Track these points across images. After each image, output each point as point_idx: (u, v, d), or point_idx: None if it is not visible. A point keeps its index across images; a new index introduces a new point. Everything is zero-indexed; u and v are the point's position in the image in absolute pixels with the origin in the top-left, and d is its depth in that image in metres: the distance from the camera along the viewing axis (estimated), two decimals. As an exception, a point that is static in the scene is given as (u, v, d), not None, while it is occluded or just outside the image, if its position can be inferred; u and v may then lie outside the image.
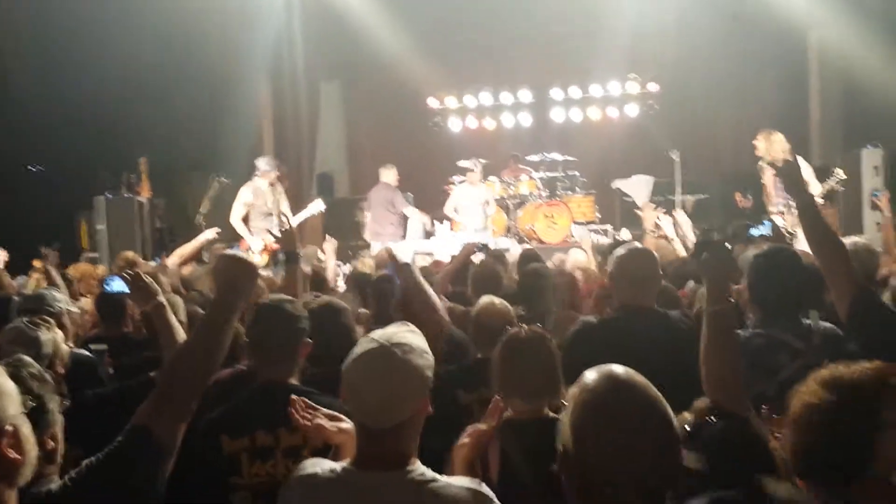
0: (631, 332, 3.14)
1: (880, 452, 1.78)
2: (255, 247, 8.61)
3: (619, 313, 3.36)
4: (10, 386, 1.67)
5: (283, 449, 2.61)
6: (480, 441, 2.25)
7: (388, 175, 10.48)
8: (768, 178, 8.20)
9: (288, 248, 4.04)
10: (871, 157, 9.32)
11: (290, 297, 3.03)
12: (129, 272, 3.35)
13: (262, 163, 8.97)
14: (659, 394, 1.64)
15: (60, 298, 3.95)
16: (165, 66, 9.99)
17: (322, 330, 3.26)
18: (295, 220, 8.52)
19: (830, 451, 1.76)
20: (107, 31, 9.35)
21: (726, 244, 2.70)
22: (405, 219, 10.48)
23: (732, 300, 2.66)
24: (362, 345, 2.04)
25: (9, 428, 1.60)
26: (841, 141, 11.02)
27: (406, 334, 2.06)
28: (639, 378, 1.66)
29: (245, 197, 8.75)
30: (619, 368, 1.67)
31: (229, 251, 2.48)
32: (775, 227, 4.95)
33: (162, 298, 3.18)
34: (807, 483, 1.88)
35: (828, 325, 3.01)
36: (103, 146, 10.60)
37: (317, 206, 8.97)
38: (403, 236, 10.51)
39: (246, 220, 8.77)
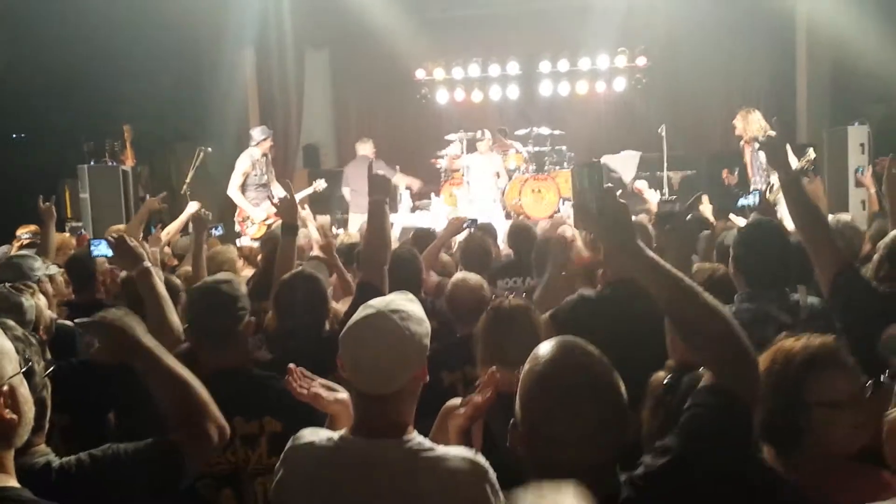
0: (625, 305, 3.14)
1: (810, 428, 1.85)
2: (257, 217, 8.56)
3: (613, 287, 3.36)
4: (7, 345, 1.65)
5: (240, 437, 2.58)
6: (476, 412, 2.26)
7: (366, 148, 10.41)
8: (748, 157, 8.23)
9: (288, 219, 3.97)
10: (857, 134, 9.36)
11: (227, 278, 2.92)
12: (114, 235, 3.33)
13: (258, 132, 8.93)
14: (609, 366, 1.64)
15: (37, 266, 3.88)
16: (151, 35, 9.86)
17: (295, 300, 3.23)
18: (297, 197, 8.50)
19: (766, 421, 1.79)
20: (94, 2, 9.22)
21: (687, 216, 2.73)
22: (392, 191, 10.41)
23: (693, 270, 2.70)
24: (361, 312, 2.04)
25: (5, 388, 1.58)
26: (828, 118, 11.04)
27: (404, 302, 2.06)
28: (590, 349, 1.66)
29: (244, 166, 8.62)
30: (571, 340, 1.68)
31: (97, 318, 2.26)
32: (763, 198, 5.01)
33: (147, 263, 3.16)
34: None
35: (816, 300, 3.02)
36: (88, 114, 10.49)
37: (319, 185, 9.00)
38: (391, 208, 10.45)
39: (242, 190, 8.69)
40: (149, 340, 2.07)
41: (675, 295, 1.72)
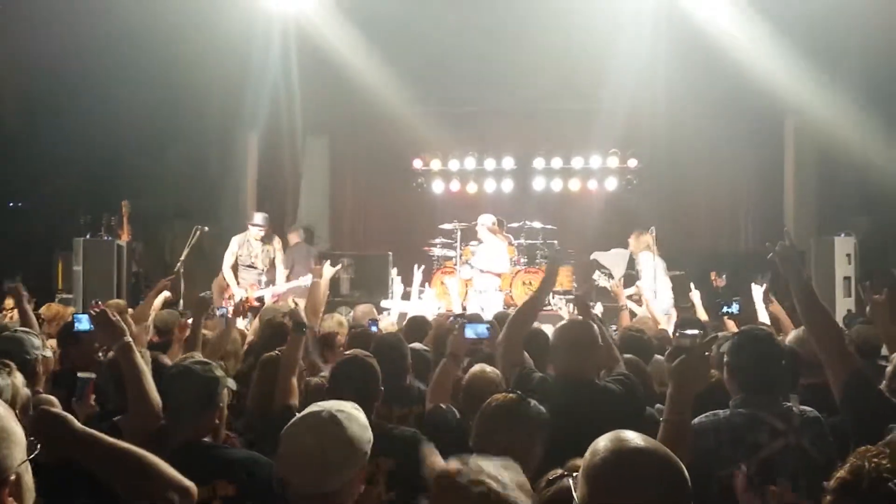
0: (563, 402, 3.20)
1: None
2: (238, 296, 8.79)
3: (553, 382, 3.47)
4: (19, 431, 1.63)
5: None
6: None
7: (296, 237, 10.92)
8: (639, 264, 9.44)
9: (295, 318, 3.94)
10: (843, 245, 9.51)
11: (203, 360, 3.00)
12: (96, 309, 3.32)
13: (258, 218, 9.46)
14: (675, 458, 1.70)
15: (38, 344, 3.87)
16: (158, 115, 10.06)
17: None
18: (284, 287, 8.99)
19: None
20: (103, 76, 9.44)
21: (705, 352, 2.70)
22: None
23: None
24: (306, 410, 2.12)
25: (13, 477, 1.57)
26: (815, 227, 11.23)
27: (350, 407, 2.14)
28: (651, 443, 1.72)
29: (232, 247, 9.25)
30: (629, 434, 1.73)
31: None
32: (744, 307, 5.07)
33: (129, 338, 3.15)
34: None
35: (807, 408, 3.06)
36: (87, 187, 10.60)
37: (304, 281, 9.18)
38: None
39: (235, 268, 9.25)
40: (80, 427, 2.04)
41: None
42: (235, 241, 9.31)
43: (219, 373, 2.93)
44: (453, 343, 3.92)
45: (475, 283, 10.13)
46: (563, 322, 3.63)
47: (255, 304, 8.71)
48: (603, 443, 1.72)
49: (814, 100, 10.03)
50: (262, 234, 9.35)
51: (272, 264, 9.39)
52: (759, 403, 3.00)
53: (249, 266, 9.29)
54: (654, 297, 8.79)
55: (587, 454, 1.73)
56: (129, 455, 2.04)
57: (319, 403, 2.12)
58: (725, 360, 3.20)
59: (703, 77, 11.10)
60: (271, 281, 9.31)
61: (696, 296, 7.31)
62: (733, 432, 2.93)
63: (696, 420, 3.01)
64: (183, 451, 2.65)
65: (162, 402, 2.93)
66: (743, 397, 3.05)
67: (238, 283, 9.13)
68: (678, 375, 2.64)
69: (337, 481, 1.98)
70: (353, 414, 2.09)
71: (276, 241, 9.59)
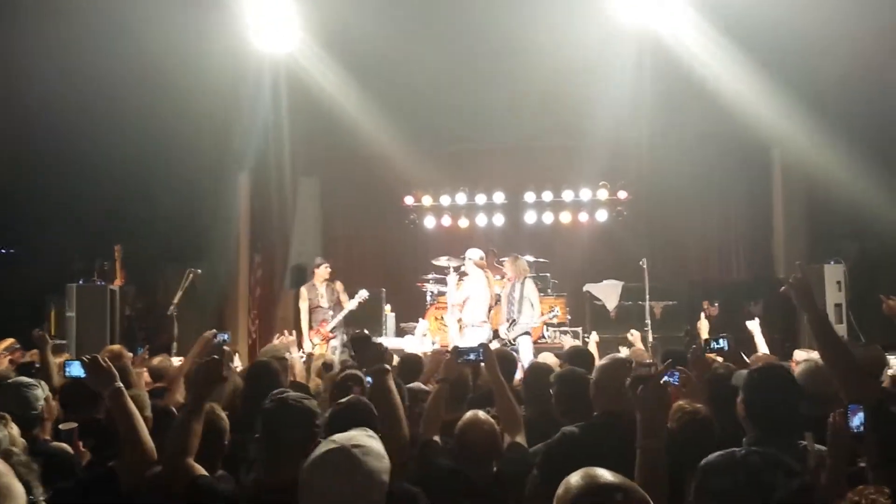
0: (610, 439, 3.17)
1: None
2: (315, 339, 9.97)
3: (599, 420, 3.43)
4: (19, 488, 1.66)
5: None
6: None
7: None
8: (508, 291, 9.95)
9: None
10: (833, 272, 9.55)
11: (306, 395, 2.92)
12: (87, 356, 3.37)
13: (321, 259, 10.55)
14: (643, 493, 1.74)
15: (41, 396, 3.89)
16: (148, 158, 10.11)
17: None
18: (346, 310, 10.05)
19: None
20: (93, 121, 9.49)
21: (661, 381, 2.80)
22: None
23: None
24: (322, 446, 2.10)
25: None
26: (805, 255, 11.29)
27: (364, 437, 2.13)
28: (621, 478, 1.74)
29: (302, 295, 10.38)
30: (600, 471, 1.76)
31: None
32: (731, 342, 5.04)
33: (119, 384, 3.19)
34: None
35: (823, 447, 3.00)
36: (79, 233, 10.60)
37: (362, 295, 10.08)
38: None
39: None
40: None
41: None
42: (304, 290, 10.37)
43: (315, 404, 2.83)
44: (445, 368, 3.97)
45: (463, 319, 10.10)
46: (604, 361, 3.61)
47: (331, 335, 10.04)
48: (575, 478, 1.76)
49: (798, 130, 10.13)
50: (329, 270, 10.31)
51: (338, 302, 10.23)
52: (775, 442, 2.97)
53: (318, 307, 10.20)
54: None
55: (560, 489, 1.77)
56: None
57: (333, 437, 2.11)
58: (740, 396, 3.18)
59: (688, 110, 11.26)
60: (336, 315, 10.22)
61: (704, 326, 7.39)
62: (749, 473, 2.89)
63: (711, 457, 2.99)
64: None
65: (259, 439, 2.77)
66: (758, 435, 3.03)
67: (311, 326, 10.12)
68: (643, 403, 2.69)
69: None
70: (367, 445, 2.09)
71: (338, 284, 10.41)
